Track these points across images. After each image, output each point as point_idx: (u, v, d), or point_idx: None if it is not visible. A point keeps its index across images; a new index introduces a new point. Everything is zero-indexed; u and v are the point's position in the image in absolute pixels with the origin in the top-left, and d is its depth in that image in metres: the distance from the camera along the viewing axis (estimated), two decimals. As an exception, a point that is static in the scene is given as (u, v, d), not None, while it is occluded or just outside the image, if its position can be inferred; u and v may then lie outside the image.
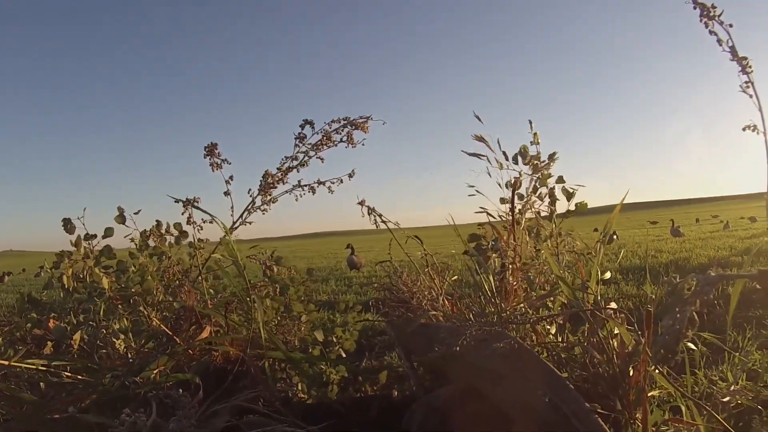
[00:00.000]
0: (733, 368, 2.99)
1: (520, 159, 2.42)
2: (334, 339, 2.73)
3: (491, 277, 2.22)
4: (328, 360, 2.48)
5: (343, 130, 2.21)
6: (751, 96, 1.57)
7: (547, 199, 2.45)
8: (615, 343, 1.75)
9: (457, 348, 1.68)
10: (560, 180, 2.46)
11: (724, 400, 2.37)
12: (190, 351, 2.17)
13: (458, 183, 2.50)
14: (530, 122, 2.42)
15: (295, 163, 2.26)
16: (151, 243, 2.87)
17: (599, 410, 1.59)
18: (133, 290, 2.66)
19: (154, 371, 2.02)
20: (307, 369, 2.58)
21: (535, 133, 2.43)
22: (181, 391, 1.84)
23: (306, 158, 2.25)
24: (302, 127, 2.21)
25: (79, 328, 2.71)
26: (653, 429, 1.80)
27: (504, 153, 2.42)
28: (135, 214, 2.88)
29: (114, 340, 2.62)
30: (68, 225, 2.77)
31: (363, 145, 2.22)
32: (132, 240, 2.93)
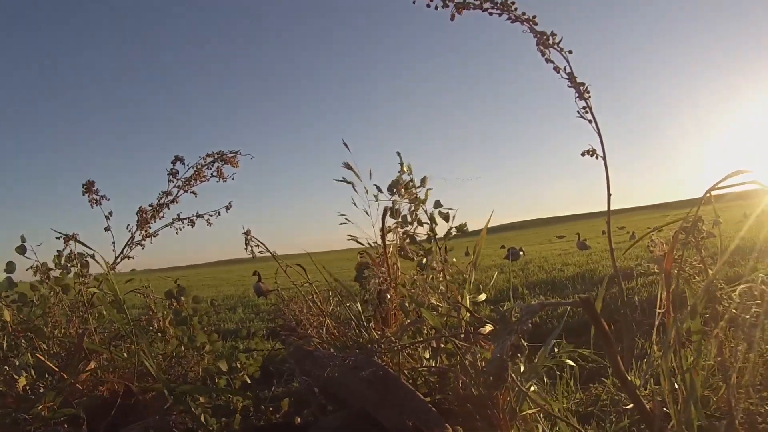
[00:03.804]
0: (641, 374, 3.11)
1: (394, 189, 2.47)
2: (239, 365, 2.76)
3: (359, 305, 2.29)
4: (215, 390, 2.50)
5: (213, 165, 2.28)
6: (590, 121, 1.62)
7: (426, 225, 2.48)
8: (482, 366, 1.84)
9: (325, 374, 1.75)
10: (437, 204, 2.49)
11: (628, 407, 2.48)
12: (78, 386, 2.17)
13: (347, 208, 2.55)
14: (398, 153, 2.48)
15: (169, 198, 2.31)
16: (53, 275, 2.86)
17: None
18: (35, 322, 2.65)
19: (43, 407, 2.02)
20: (213, 399, 2.60)
21: (404, 164, 2.47)
22: (66, 426, 1.86)
23: (180, 193, 2.31)
24: (173, 163, 2.28)
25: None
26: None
27: (376, 186, 2.47)
28: (37, 246, 2.87)
29: (16, 377, 2.59)
30: (-35, 258, 2.73)
31: (233, 179, 2.30)
32: (35, 272, 2.91)
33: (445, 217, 2.49)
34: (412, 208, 2.51)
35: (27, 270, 2.91)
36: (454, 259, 2.50)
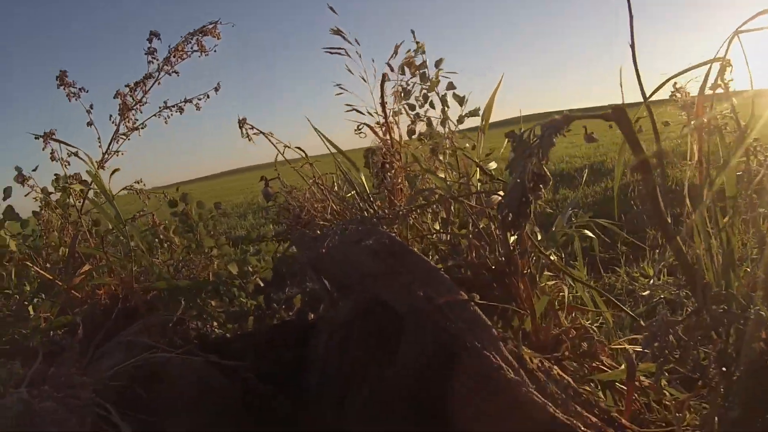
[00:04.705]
0: (654, 265, 2.99)
1: (407, 69, 2.30)
2: (250, 269, 2.67)
3: (362, 177, 2.15)
4: (227, 289, 2.41)
5: (192, 39, 2.10)
6: None
7: (439, 107, 2.31)
8: (499, 233, 1.69)
9: (323, 250, 1.60)
10: (450, 86, 2.31)
11: (644, 294, 2.36)
12: (75, 293, 2.08)
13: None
14: (413, 32, 2.29)
15: (151, 80, 2.15)
16: (53, 198, 2.78)
17: (479, 300, 1.54)
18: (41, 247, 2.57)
19: (39, 319, 1.94)
20: (225, 304, 2.51)
21: (419, 43, 2.31)
22: (62, 334, 1.77)
23: (162, 75, 2.14)
24: (150, 40, 2.10)
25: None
26: (549, 320, 1.76)
27: (388, 64, 2.31)
28: (33, 170, 2.77)
29: (25, 303, 2.55)
30: (-35, 190, 2.65)
31: (215, 51, 2.13)
32: (35, 198, 2.82)
33: (460, 100, 2.31)
34: (423, 90, 2.33)
35: (26, 196, 2.82)
36: (467, 145, 2.34)
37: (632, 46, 1.48)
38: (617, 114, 1.10)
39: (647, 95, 1.45)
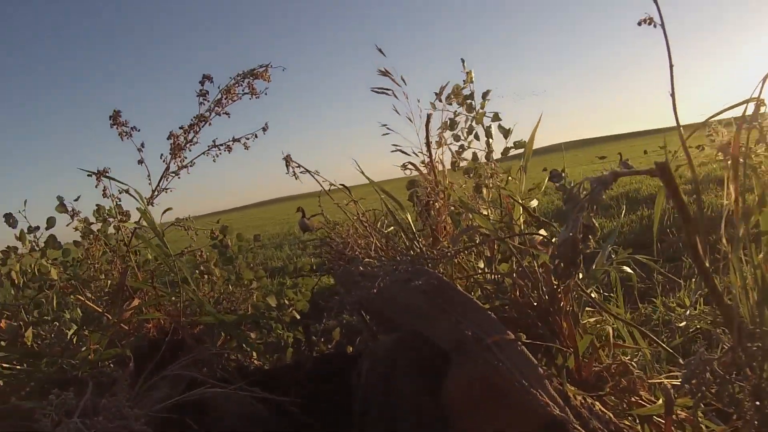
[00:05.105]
0: (690, 295, 2.97)
1: (453, 99, 2.32)
2: (287, 302, 2.71)
3: (408, 215, 2.18)
4: (267, 319, 2.45)
5: (243, 82, 2.17)
6: None
7: (483, 139, 2.33)
8: (542, 271, 1.72)
9: (375, 290, 1.64)
10: (496, 117, 2.33)
11: (681, 325, 2.36)
12: (124, 326, 2.14)
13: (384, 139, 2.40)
14: (462, 61, 2.31)
15: (202, 122, 2.22)
16: (94, 228, 2.84)
17: (525, 340, 1.57)
18: (82, 276, 2.63)
19: (88, 350, 1.99)
20: (264, 335, 2.56)
21: (468, 72, 2.34)
22: (113, 367, 1.82)
23: (212, 116, 2.21)
24: (202, 83, 2.17)
25: (31, 324, 2.68)
26: (591, 357, 1.78)
27: (435, 93, 2.34)
28: (75, 200, 2.84)
29: (66, 330, 2.60)
30: (10, 219, 2.73)
31: (266, 94, 2.19)
32: (75, 228, 2.89)
33: (505, 132, 2.32)
34: (468, 121, 2.36)
35: (67, 225, 2.89)
36: (510, 177, 2.35)
37: (672, 95, 1.53)
38: (662, 171, 1.14)
39: (685, 138, 1.49)
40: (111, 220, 2.83)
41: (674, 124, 1.43)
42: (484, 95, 2.35)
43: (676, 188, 1.18)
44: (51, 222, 2.78)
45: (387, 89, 2.25)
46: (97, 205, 2.88)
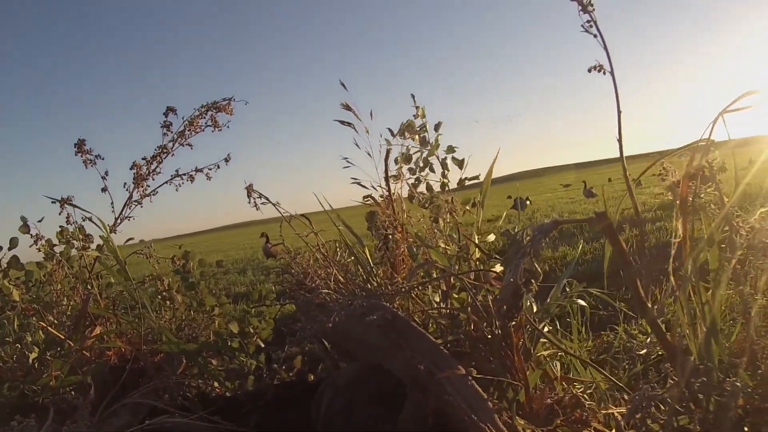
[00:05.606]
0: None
1: (407, 132, 2.37)
2: (251, 330, 2.73)
3: (366, 251, 2.23)
4: (229, 349, 2.48)
5: (207, 114, 2.23)
6: (595, 36, 1.51)
7: (439, 170, 2.38)
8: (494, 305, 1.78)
9: (329, 325, 1.69)
10: (450, 150, 2.38)
11: (641, 352, 2.44)
12: (86, 353, 2.15)
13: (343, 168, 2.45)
14: (413, 96, 2.37)
15: (165, 152, 2.27)
16: (57, 250, 2.84)
17: (477, 375, 1.64)
18: (44, 298, 2.63)
19: (50, 376, 2.00)
20: (226, 362, 2.58)
21: (419, 107, 2.38)
22: (74, 394, 1.84)
23: (176, 147, 2.26)
24: (166, 114, 2.22)
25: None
26: (542, 390, 1.84)
27: (389, 129, 2.39)
28: (39, 222, 2.85)
29: (28, 354, 2.59)
30: (-27, 240, 2.72)
31: (228, 127, 2.25)
32: (39, 249, 2.89)
33: (459, 164, 2.37)
34: (424, 154, 2.41)
35: (30, 247, 2.88)
36: (467, 207, 2.41)
37: (619, 137, 1.62)
38: (601, 220, 1.23)
39: (631, 180, 1.59)
40: (74, 242, 2.84)
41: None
42: (437, 127, 2.38)
43: (614, 235, 1.27)
44: (14, 242, 2.78)
45: (348, 123, 2.30)
46: (60, 226, 2.89)
